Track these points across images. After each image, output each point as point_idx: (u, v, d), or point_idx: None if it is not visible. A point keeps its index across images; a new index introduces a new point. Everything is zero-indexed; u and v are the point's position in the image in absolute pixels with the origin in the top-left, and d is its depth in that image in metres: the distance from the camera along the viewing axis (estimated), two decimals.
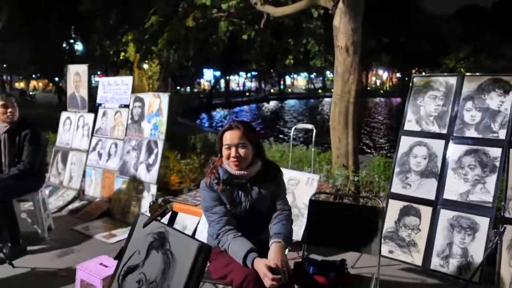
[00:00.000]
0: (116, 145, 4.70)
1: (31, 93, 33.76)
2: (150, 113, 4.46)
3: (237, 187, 2.18)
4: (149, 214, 1.41)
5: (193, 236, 3.59)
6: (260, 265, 1.89)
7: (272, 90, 54.17)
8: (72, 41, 16.91)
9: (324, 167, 4.93)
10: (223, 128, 2.18)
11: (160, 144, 4.29)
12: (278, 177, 2.31)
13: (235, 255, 2.00)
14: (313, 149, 4.35)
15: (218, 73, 36.66)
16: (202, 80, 52.70)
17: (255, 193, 2.19)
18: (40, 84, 42.28)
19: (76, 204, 4.62)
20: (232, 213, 2.17)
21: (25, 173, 3.45)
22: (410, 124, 3.47)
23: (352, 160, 4.85)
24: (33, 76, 31.57)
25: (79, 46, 17.47)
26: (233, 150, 2.10)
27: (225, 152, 2.14)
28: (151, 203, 1.52)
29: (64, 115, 5.25)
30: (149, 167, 4.29)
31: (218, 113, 30.32)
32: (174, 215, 1.18)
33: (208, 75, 45.40)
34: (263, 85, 51.73)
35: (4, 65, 24.57)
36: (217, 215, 2.13)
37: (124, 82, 4.86)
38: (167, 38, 7.31)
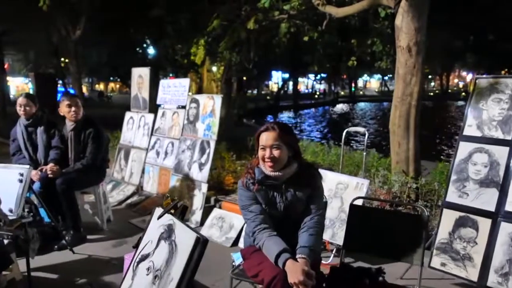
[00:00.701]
0: (172, 144, 5.00)
1: (108, 94, 36.75)
2: (204, 114, 4.69)
3: (272, 188, 2.24)
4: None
5: (239, 233, 3.74)
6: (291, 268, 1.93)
7: (342, 93, 53.16)
8: (145, 45, 18.18)
9: (380, 172, 4.81)
10: (260, 129, 2.25)
11: (212, 144, 4.49)
12: (315, 180, 2.30)
13: (268, 253, 2.06)
14: (364, 153, 4.28)
15: (286, 75, 36.84)
16: (270, 82, 53.38)
17: (290, 195, 2.23)
18: (118, 86, 45.98)
19: (135, 198, 5.01)
20: (267, 213, 2.22)
21: (87, 168, 3.84)
22: (470, 129, 3.27)
23: (413, 166, 4.68)
24: (111, 78, 34.29)
25: (151, 50, 18.74)
26: (267, 151, 2.16)
27: (260, 153, 2.21)
28: (165, 198, 1.64)
29: (128, 115, 5.71)
30: (201, 166, 4.51)
31: (285, 116, 30.44)
32: (184, 209, 1.29)
33: (277, 77, 45.85)
34: (332, 87, 51.00)
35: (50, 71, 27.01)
36: (253, 214, 2.20)
37: (181, 84, 5.17)
38: (229, 41, 7.57)
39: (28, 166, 3.05)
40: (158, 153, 5.14)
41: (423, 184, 4.41)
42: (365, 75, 53.61)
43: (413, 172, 4.63)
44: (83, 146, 3.87)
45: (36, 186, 3.63)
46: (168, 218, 1.33)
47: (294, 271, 1.91)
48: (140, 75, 5.62)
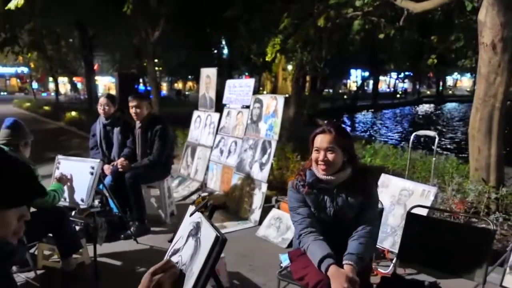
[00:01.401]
0: (236, 143, 5.17)
1: (186, 93, 38.72)
2: (267, 114, 4.78)
3: (324, 191, 2.22)
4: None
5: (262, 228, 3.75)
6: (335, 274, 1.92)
7: (428, 92, 50.19)
8: (220, 45, 18.86)
9: (455, 179, 4.51)
10: (315, 131, 2.24)
11: (273, 144, 4.56)
12: (369, 187, 2.24)
13: (312, 257, 2.07)
14: (434, 159, 4.05)
15: (366, 74, 35.71)
16: (348, 81, 52.15)
17: (341, 200, 2.19)
18: (195, 85, 48.20)
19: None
20: (316, 217, 2.22)
21: (154, 164, 4.13)
22: None
23: (494, 175, 4.36)
24: (189, 77, 36.05)
25: (226, 50, 19.38)
26: (321, 153, 2.15)
27: (314, 155, 2.20)
28: (197, 197, 1.73)
29: (195, 114, 6.01)
30: (262, 166, 4.60)
31: (362, 116, 29.53)
32: (213, 209, 1.36)
33: (356, 75, 44.68)
34: (417, 86, 48.35)
35: (160, 68, 28.72)
36: (300, 216, 2.21)
37: (247, 84, 5.32)
38: (298, 38, 7.59)
39: (98, 160, 3.36)
40: (222, 152, 5.35)
41: (505, 194, 4.05)
42: (455, 73, 49.98)
43: (494, 180, 4.31)
44: (150, 143, 4.16)
45: (107, 179, 4.00)
46: (197, 216, 1.42)
47: (337, 277, 1.90)
48: (208, 75, 5.88)
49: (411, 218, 2.59)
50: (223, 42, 18.06)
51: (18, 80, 50.57)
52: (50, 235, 3.02)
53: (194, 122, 6.00)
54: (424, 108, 37.42)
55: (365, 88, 48.24)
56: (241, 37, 12.49)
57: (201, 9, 12.01)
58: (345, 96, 38.56)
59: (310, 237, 2.12)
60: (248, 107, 5.14)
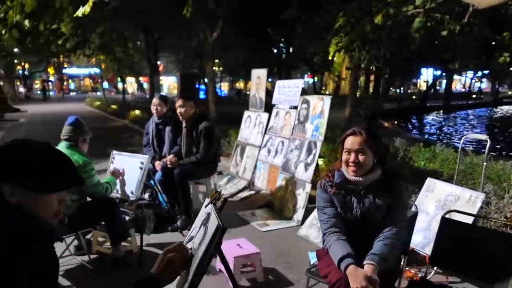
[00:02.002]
0: (283, 143, 5.33)
1: (247, 92, 39.47)
2: (314, 115, 4.88)
3: (351, 192, 2.30)
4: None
5: None
6: (353, 274, 2.00)
7: (510, 92, 46.63)
8: (280, 45, 19.08)
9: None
10: (346, 133, 2.32)
11: (319, 145, 4.66)
12: (398, 190, 2.27)
13: (333, 256, 2.17)
14: (484, 164, 3.90)
15: (438, 73, 33.96)
16: (418, 80, 50.02)
17: (368, 201, 2.26)
18: None
19: (245, 193, 5.48)
20: (342, 218, 2.31)
21: (200, 162, 4.41)
22: None
23: None
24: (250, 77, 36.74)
25: (286, 50, 19.57)
26: (352, 155, 2.23)
27: (344, 156, 2.28)
28: (212, 191, 1.90)
29: (246, 113, 6.25)
30: (307, 166, 4.72)
31: (431, 118, 28.15)
32: (225, 201, 1.52)
33: (427, 74, 42.72)
34: (496, 86, 45.10)
35: (221, 68, 29.51)
36: (326, 216, 2.33)
37: (295, 85, 5.45)
38: (353, 37, 7.55)
39: (147, 156, 3.70)
40: (269, 151, 5.53)
41: None
42: None
43: None
44: (196, 142, 4.45)
45: (157, 175, 4.35)
46: (209, 208, 1.61)
47: (356, 276, 1.98)
48: (259, 76, 6.09)
49: (445, 223, 2.58)
50: (283, 42, 18.25)
51: (91, 80, 54.72)
52: (103, 223, 3.40)
53: (245, 121, 6.25)
54: (504, 109, 34.80)
55: (437, 88, 45.96)
56: (299, 37, 12.61)
57: (260, 10, 12.31)
58: (413, 96, 37.00)
59: (333, 237, 2.21)
60: (296, 107, 5.27)
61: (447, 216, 2.85)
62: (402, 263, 2.56)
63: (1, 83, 25.97)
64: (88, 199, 3.36)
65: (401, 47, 9.02)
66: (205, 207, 1.68)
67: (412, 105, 30.75)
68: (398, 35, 8.27)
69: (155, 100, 4.71)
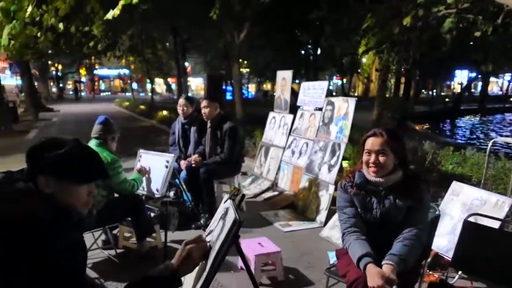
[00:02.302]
0: (307, 144, 5.38)
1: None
2: (338, 117, 4.92)
3: (371, 193, 2.34)
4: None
5: None
6: (371, 272, 2.04)
7: None
8: (309, 46, 19.08)
9: None
10: (366, 134, 2.37)
11: (343, 147, 4.69)
12: (419, 192, 2.29)
13: (352, 255, 2.21)
14: None
15: (473, 75, 33.02)
16: (452, 83, 48.84)
17: (388, 202, 2.29)
18: None
19: (269, 194, 5.56)
20: (362, 218, 2.35)
21: (224, 162, 4.52)
22: None
23: None
24: None
25: (313, 51, 19.55)
26: (372, 156, 2.27)
27: (365, 157, 2.33)
28: (232, 187, 1.99)
29: (271, 115, 6.34)
30: (330, 168, 4.76)
31: (465, 121, 27.42)
32: (242, 197, 1.61)
33: (462, 76, 41.65)
34: None
35: (248, 70, 29.70)
36: (346, 215, 2.38)
37: (320, 87, 5.49)
38: (381, 38, 7.52)
39: (172, 155, 3.84)
40: (293, 152, 5.60)
41: None
42: None
43: None
44: (221, 142, 4.56)
45: (183, 174, 4.49)
46: (228, 203, 1.70)
47: (374, 275, 2.02)
48: (284, 77, 6.17)
49: (467, 226, 2.59)
50: (311, 43, 18.26)
51: (121, 81, 56.20)
52: (130, 219, 3.55)
53: (269, 123, 6.33)
54: None
55: (472, 90, 44.69)
56: (327, 37, 12.60)
57: (288, 10, 12.37)
58: (447, 99, 36.14)
59: (352, 236, 2.25)
60: (320, 109, 5.32)
61: (471, 219, 2.87)
62: (423, 266, 2.58)
63: (36, 84, 27.03)
64: (116, 195, 3.53)
65: (432, 49, 8.88)
66: (224, 202, 1.77)
67: (445, 108, 30.08)
68: (429, 37, 8.17)
69: (181, 101, 4.86)
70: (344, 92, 29.01)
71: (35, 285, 1.20)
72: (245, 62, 25.82)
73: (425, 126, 19.60)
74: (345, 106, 4.87)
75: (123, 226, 3.75)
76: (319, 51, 17.73)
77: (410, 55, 8.44)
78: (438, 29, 7.44)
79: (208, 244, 1.61)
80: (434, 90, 42.80)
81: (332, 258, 2.72)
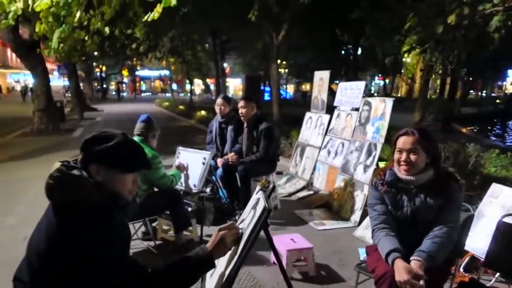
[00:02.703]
0: (343, 144, 5.44)
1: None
2: (375, 117, 4.95)
3: (402, 191, 2.40)
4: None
5: None
6: (399, 267, 2.10)
7: None
8: (349, 46, 18.95)
9: None
10: (398, 133, 2.44)
11: (379, 147, 4.73)
12: (451, 191, 2.32)
13: (381, 251, 2.29)
14: None
15: None
16: (504, 83, 46.82)
17: (419, 200, 2.34)
18: None
19: (304, 193, 5.67)
20: (392, 216, 2.41)
21: (260, 160, 4.67)
22: None
23: None
24: None
25: (354, 51, 19.38)
26: (404, 154, 2.34)
27: (396, 155, 2.40)
28: (263, 180, 2.11)
29: (307, 115, 6.43)
30: (366, 168, 4.80)
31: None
32: (273, 188, 1.75)
33: None
34: None
35: (286, 70, 29.69)
36: (376, 212, 2.45)
37: (357, 87, 5.53)
38: (423, 37, 7.42)
39: (209, 152, 4.03)
40: (329, 152, 5.67)
41: None
42: None
43: None
44: (257, 141, 4.72)
45: (219, 171, 4.69)
46: (260, 193, 1.85)
47: (401, 270, 2.08)
48: (321, 78, 6.25)
49: (502, 227, 2.59)
50: (351, 44, 18.13)
51: (161, 82, 57.84)
52: (168, 212, 3.78)
53: (306, 123, 6.43)
54: None
55: None
56: (367, 37, 12.50)
57: (328, 10, 12.39)
58: (497, 100, 34.65)
59: (381, 232, 2.32)
60: (357, 109, 5.36)
61: (505, 220, 2.86)
62: (455, 265, 2.60)
63: (81, 85, 28.36)
64: (156, 190, 3.76)
65: (478, 48, 8.64)
66: (256, 193, 1.92)
67: (495, 110, 28.88)
68: (475, 35, 7.95)
69: (219, 100, 5.05)
70: (386, 92, 28.49)
71: (87, 258, 1.39)
72: (284, 62, 25.99)
73: (473, 128, 18.95)
74: (382, 106, 4.89)
75: (162, 219, 3.98)
76: (359, 51, 17.64)
77: (455, 55, 8.26)
78: (484, 27, 7.25)
79: (240, 231, 1.76)
80: (484, 91, 41.20)
81: (362, 254, 2.79)
